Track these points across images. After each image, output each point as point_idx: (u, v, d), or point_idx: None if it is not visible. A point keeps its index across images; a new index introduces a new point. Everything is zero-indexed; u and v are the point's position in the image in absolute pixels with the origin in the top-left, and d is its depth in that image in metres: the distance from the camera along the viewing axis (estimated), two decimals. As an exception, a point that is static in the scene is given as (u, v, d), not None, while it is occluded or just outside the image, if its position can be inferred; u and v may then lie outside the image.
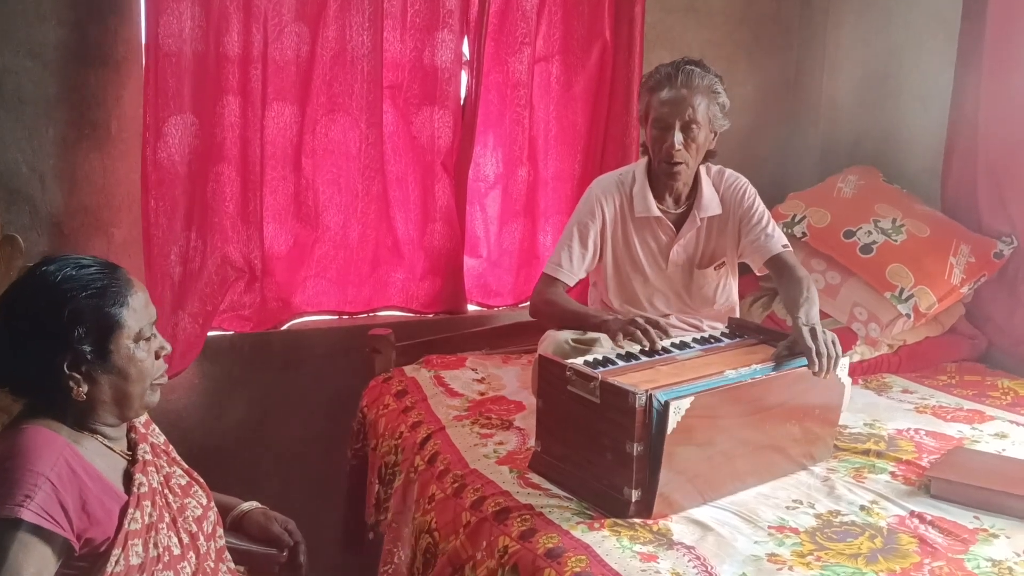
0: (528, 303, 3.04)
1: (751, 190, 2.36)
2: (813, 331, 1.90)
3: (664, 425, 1.66)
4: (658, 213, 2.31)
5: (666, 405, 1.66)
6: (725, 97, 2.25)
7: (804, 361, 1.88)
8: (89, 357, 1.35)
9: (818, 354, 1.86)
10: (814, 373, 1.87)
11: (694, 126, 2.19)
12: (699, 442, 1.74)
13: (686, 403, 1.68)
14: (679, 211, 2.34)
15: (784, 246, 2.29)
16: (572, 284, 2.35)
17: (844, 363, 1.95)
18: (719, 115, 2.24)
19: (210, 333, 2.65)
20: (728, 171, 2.38)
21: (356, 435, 2.51)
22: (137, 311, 1.40)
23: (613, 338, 2.05)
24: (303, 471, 2.81)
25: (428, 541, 1.90)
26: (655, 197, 2.31)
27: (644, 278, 2.36)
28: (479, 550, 1.73)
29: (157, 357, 1.44)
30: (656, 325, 2.03)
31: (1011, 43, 2.65)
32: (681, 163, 2.22)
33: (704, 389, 1.75)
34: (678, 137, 2.19)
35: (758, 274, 2.40)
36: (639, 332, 2.00)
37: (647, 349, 1.98)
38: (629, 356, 1.96)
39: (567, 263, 2.31)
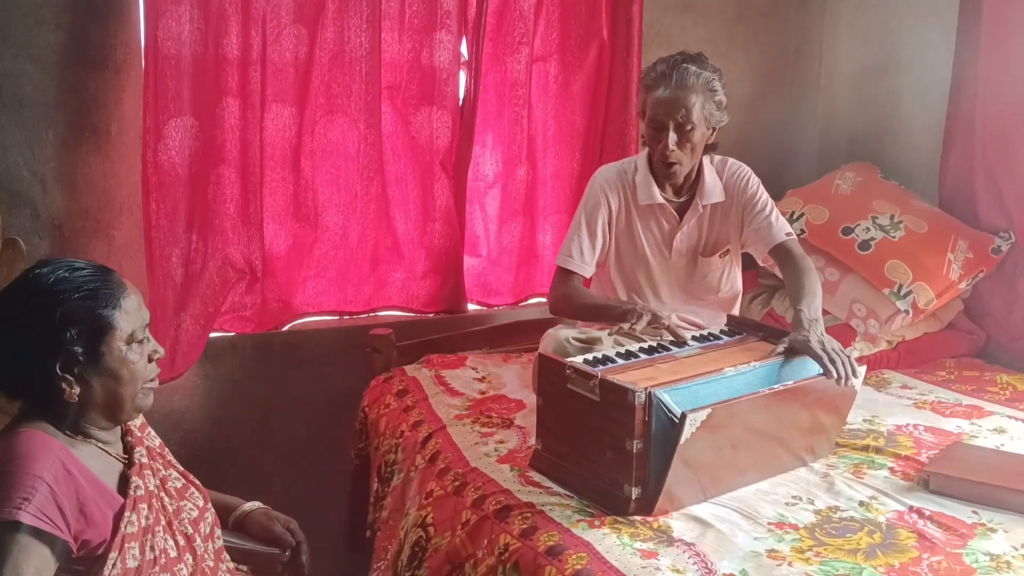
0: (530, 300, 3.12)
1: (754, 179, 2.36)
2: (821, 342, 1.91)
3: (678, 435, 1.65)
4: (661, 200, 2.31)
5: (683, 418, 1.65)
6: (722, 94, 2.22)
7: (814, 365, 1.89)
8: (81, 359, 1.36)
9: (831, 361, 1.87)
10: (833, 381, 1.87)
11: (688, 126, 2.18)
12: (710, 438, 1.73)
13: (702, 415, 1.67)
14: (681, 199, 2.35)
15: (787, 234, 2.29)
16: (587, 275, 2.35)
17: (862, 371, 1.95)
18: (716, 112, 2.22)
19: (212, 335, 2.65)
20: (732, 160, 2.39)
21: (358, 435, 2.52)
22: (129, 313, 1.41)
23: (631, 325, 2.05)
24: (305, 471, 2.82)
25: (419, 535, 1.90)
26: (657, 186, 2.32)
27: (648, 267, 2.36)
28: (479, 548, 1.74)
29: (150, 360, 1.45)
30: (671, 330, 2.04)
31: (1008, 38, 2.65)
32: (676, 163, 2.23)
33: (722, 401, 1.73)
34: (672, 138, 2.18)
35: (761, 263, 2.40)
36: (662, 328, 2.02)
37: (668, 341, 2.01)
38: (629, 354, 1.97)
39: (578, 255, 2.31)
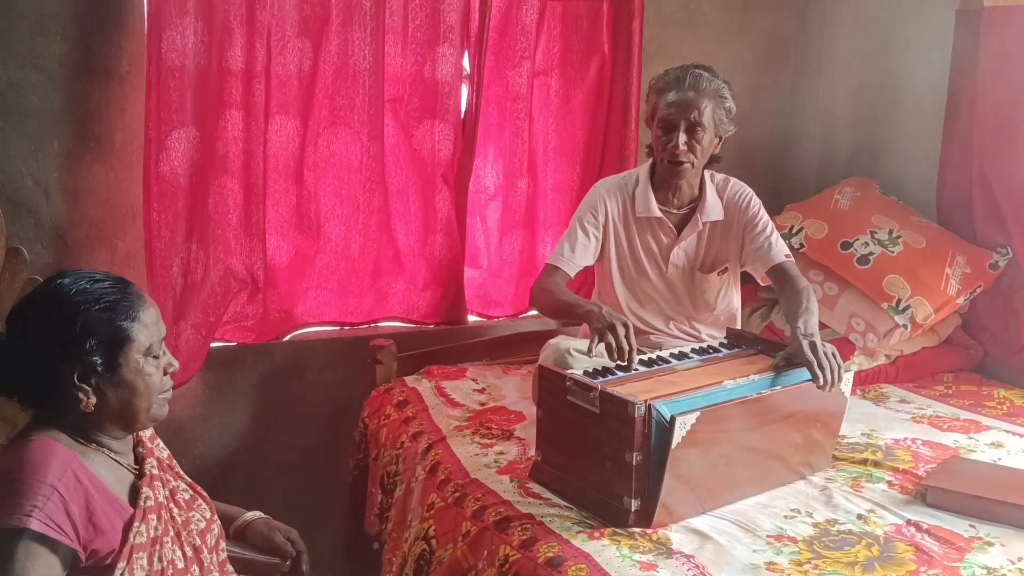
0: (530, 312, 3.13)
1: (756, 200, 2.39)
2: (813, 345, 1.92)
3: (669, 439, 1.67)
4: (659, 214, 2.34)
5: (672, 420, 1.67)
6: (732, 103, 2.28)
7: (807, 374, 1.90)
8: (99, 369, 1.37)
9: (820, 367, 1.88)
10: (819, 387, 1.88)
11: (699, 128, 2.22)
12: (703, 450, 1.75)
13: (692, 418, 1.69)
14: (681, 213, 2.37)
15: (786, 256, 2.31)
16: (572, 274, 2.36)
17: (848, 378, 1.97)
18: (725, 119, 2.27)
19: (213, 344, 2.66)
20: (734, 180, 2.41)
21: (358, 445, 2.53)
22: (148, 326, 1.42)
23: (592, 336, 2.01)
24: (305, 481, 2.82)
25: (423, 548, 1.91)
26: (658, 200, 2.34)
27: (646, 280, 2.38)
28: (480, 559, 1.75)
29: (165, 374, 1.46)
30: (631, 347, 1.95)
31: (1005, 54, 2.67)
32: (684, 162, 2.25)
33: (710, 404, 1.75)
34: (682, 138, 2.22)
35: (761, 283, 2.42)
36: (613, 343, 1.94)
37: (618, 363, 1.95)
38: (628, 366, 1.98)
39: (568, 252, 2.33)
